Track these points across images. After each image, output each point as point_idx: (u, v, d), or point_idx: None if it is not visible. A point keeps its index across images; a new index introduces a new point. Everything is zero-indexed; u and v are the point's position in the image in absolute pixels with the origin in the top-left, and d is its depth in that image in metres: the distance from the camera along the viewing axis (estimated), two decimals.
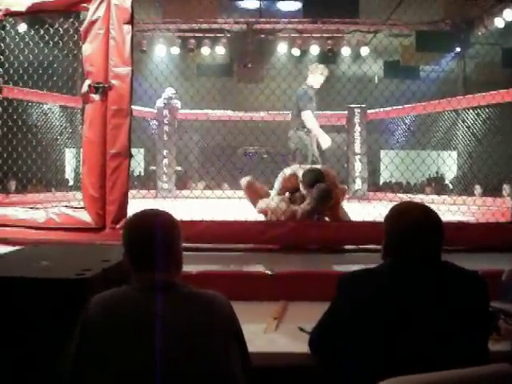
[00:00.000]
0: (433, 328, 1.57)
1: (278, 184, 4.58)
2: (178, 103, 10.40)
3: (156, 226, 1.66)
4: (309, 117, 5.69)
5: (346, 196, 5.16)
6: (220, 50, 11.63)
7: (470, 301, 1.64)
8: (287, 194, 4.43)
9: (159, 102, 10.17)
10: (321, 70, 5.96)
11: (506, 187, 8.09)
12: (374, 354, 1.56)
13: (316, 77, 5.92)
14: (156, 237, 1.63)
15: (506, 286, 2.56)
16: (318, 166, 4.65)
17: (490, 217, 4.62)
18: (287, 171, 4.57)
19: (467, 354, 1.56)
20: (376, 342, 1.57)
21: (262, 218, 4.45)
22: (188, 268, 2.79)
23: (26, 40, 5.56)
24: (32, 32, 6.83)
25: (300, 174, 4.37)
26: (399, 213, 1.77)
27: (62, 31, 5.06)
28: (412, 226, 1.70)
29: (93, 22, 3.66)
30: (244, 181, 4.78)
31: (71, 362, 1.52)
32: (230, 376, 1.52)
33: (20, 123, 6.18)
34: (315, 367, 1.88)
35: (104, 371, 1.45)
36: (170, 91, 10.14)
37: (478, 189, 8.68)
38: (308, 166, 4.61)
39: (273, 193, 4.58)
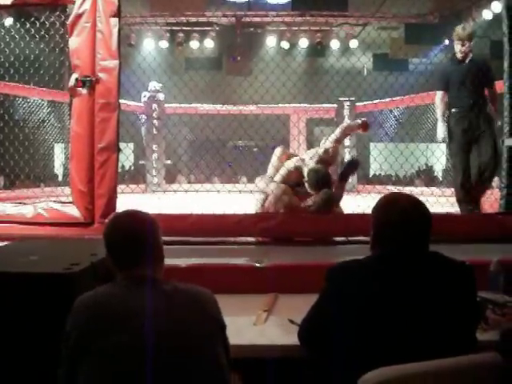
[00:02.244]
0: (421, 318, 1.58)
1: (279, 176, 4.52)
2: (161, 96, 10.37)
3: (135, 225, 1.70)
4: (436, 99, 4.85)
5: None
6: (208, 43, 11.59)
7: (457, 290, 1.65)
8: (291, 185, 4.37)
9: (143, 97, 10.16)
10: (456, 34, 4.65)
11: (495, 179, 8.12)
12: (362, 344, 1.56)
13: (456, 45, 4.67)
14: (136, 236, 1.67)
15: (493, 277, 2.58)
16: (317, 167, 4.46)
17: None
18: (290, 164, 4.52)
19: (455, 343, 1.57)
20: (365, 332, 1.57)
21: (254, 207, 4.42)
22: (177, 261, 2.79)
23: (12, 34, 5.51)
24: (18, 26, 6.76)
25: (304, 169, 4.34)
26: (387, 203, 1.78)
27: (48, 25, 5.01)
28: (399, 216, 1.70)
29: (79, 15, 3.62)
30: (279, 149, 4.79)
31: (61, 366, 1.52)
32: (217, 370, 1.53)
33: (7, 118, 6.13)
34: (305, 359, 1.89)
35: (95, 370, 1.45)
36: (154, 84, 10.12)
37: None
38: (311, 164, 4.46)
39: (276, 178, 4.51)
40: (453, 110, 4.67)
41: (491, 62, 4.73)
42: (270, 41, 11.77)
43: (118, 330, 1.48)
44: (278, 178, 4.50)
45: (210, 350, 1.54)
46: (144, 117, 10.48)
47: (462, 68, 4.63)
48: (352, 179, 10.39)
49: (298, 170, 4.42)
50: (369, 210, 1.87)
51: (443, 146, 9.11)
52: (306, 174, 4.29)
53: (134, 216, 1.75)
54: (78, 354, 1.47)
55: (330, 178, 4.33)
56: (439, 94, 4.78)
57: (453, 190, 5.18)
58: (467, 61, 4.64)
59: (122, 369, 1.44)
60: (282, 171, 4.50)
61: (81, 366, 1.46)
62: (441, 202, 5.08)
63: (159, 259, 1.74)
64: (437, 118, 4.90)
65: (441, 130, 4.79)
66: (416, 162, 6.25)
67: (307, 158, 4.48)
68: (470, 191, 4.62)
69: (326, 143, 4.62)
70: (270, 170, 4.66)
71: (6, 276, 1.80)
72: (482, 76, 4.55)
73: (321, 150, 4.53)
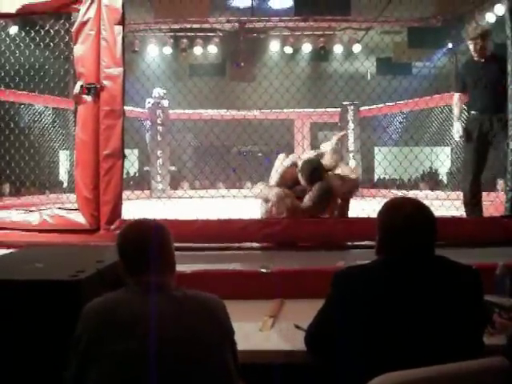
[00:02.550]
0: (427, 322, 1.57)
1: (277, 174, 4.52)
2: (166, 103, 10.41)
3: (142, 233, 1.74)
4: (454, 100, 4.80)
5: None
6: (212, 49, 11.62)
7: (464, 294, 1.65)
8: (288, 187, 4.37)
9: (148, 103, 10.20)
10: (468, 33, 4.59)
11: (500, 182, 8.10)
12: (369, 349, 1.56)
13: (469, 45, 4.54)
14: (143, 243, 1.69)
15: (500, 280, 2.57)
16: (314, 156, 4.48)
17: (484, 211, 4.62)
18: (287, 161, 4.51)
19: (462, 347, 1.57)
20: (371, 337, 1.57)
21: (259, 213, 4.41)
22: (183, 267, 2.79)
23: (17, 42, 5.54)
24: (23, 34, 6.80)
25: (299, 163, 4.33)
26: (392, 208, 1.78)
27: (53, 33, 5.05)
28: (405, 220, 1.70)
29: (84, 23, 3.65)
30: (282, 155, 4.78)
31: (69, 371, 1.53)
32: (225, 377, 1.54)
33: (12, 125, 6.16)
34: (311, 364, 1.89)
35: (104, 376, 1.46)
36: (158, 91, 10.16)
37: None
38: (306, 157, 4.47)
39: (275, 177, 4.50)
40: (472, 112, 4.58)
41: None
42: (274, 46, 11.80)
43: (127, 336, 1.48)
44: (276, 176, 4.49)
45: (219, 357, 1.54)
46: (148, 123, 10.52)
47: (477, 68, 4.49)
48: None
49: (294, 165, 4.41)
50: (374, 215, 1.87)
51: (448, 150, 9.13)
52: (299, 167, 4.28)
53: (142, 224, 1.80)
54: (88, 359, 1.48)
55: (324, 168, 4.29)
56: (456, 95, 4.78)
57: (458, 193, 5.12)
58: (483, 60, 4.47)
59: (130, 375, 1.44)
60: (280, 169, 4.49)
61: (89, 371, 1.47)
62: (446, 205, 5.07)
63: (169, 266, 1.74)
64: (453, 118, 4.86)
65: (456, 130, 4.71)
66: (420, 166, 6.24)
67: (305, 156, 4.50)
68: (477, 194, 4.55)
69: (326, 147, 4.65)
70: (274, 175, 4.66)
71: (12, 284, 1.80)
72: (501, 74, 4.22)
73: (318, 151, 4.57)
